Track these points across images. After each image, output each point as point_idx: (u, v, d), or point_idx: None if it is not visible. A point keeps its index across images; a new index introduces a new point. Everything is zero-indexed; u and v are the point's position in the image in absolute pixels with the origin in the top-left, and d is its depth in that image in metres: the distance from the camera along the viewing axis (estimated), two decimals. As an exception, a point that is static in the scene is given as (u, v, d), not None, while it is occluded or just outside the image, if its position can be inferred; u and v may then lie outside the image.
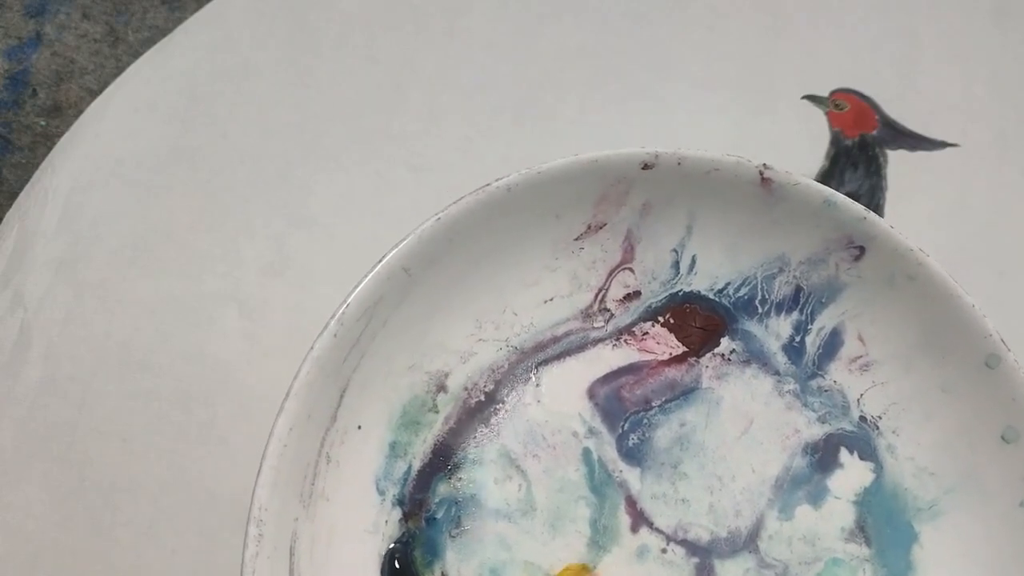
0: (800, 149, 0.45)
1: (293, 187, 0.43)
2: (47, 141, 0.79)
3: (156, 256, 0.42)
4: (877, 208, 0.43)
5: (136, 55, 0.55)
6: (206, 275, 0.41)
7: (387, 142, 0.44)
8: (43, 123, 0.78)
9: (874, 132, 0.45)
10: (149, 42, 0.75)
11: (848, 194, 0.41)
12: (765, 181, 0.32)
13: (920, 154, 0.45)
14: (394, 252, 0.30)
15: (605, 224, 0.33)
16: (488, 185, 0.31)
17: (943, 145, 0.45)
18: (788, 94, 0.46)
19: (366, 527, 0.31)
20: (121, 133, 0.43)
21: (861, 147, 0.45)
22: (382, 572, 0.30)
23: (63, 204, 0.42)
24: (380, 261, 0.29)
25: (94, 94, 0.74)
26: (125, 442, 0.38)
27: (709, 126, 0.45)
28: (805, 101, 0.46)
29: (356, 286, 0.29)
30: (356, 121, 0.45)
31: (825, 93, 0.46)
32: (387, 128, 0.45)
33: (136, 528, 0.37)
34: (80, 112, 0.46)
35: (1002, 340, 0.32)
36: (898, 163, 0.45)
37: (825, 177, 0.44)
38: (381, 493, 0.31)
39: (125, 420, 0.39)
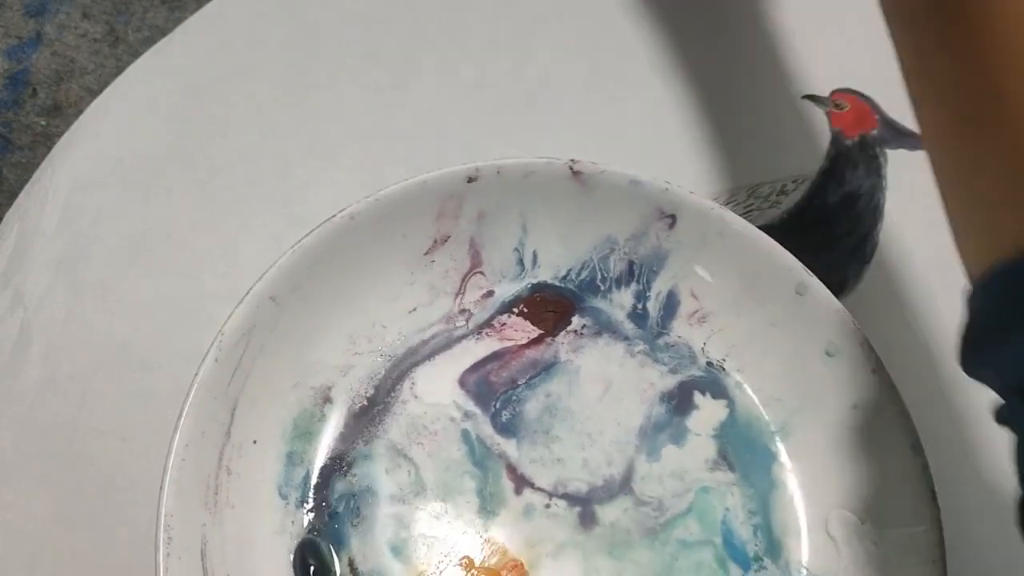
0: (800, 149, 0.45)
1: (293, 187, 0.43)
2: (47, 141, 0.80)
3: (156, 256, 0.42)
4: (877, 208, 0.44)
5: (136, 55, 0.54)
6: (206, 275, 0.41)
7: (386, 142, 0.44)
8: (43, 123, 0.79)
9: (874, 132, 0.45)
10: (149, 42, 0.74)
11: (848, 194, 0.44)
12: (576, 174, 0.38)
13: (920, 154, 0.43)
14: (259, 283, 0.34)
15: (449, 236, 0.38)
16: (334, 216, 0.36)
17: None
18: (788, 94, 0.46)
19: (273, 529, 0.34)
20: (121, 133, 0.43)
21: (861, 147, 0.45)
22: (294, 568, 0.34)
23: (63, 204, 0.42)
24: (248, 292, 0.34)
25: (94, 94, 0.71)
26: (125, 442, 0.38)
27: (709, 126, 0.44)
28: (805, 101, 0.46)
29: (228, 316, 0.33)
30: (355, 121, 0.45)
31: (825, 93, 0.46)
32: (386, 128, 0.45)
33: (136, 528, 0.37)
34: (80, 112, 0.45)
35: (805, 269, 0.37)
36: (898, 163, 0.45)
37: (825, 177, 0.44)
38: (284, 498, 0.35)
39: (125, 420, 0.39)
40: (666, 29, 0.48)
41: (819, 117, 0.46)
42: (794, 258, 0.37)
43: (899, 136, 0.46)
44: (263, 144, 0.44)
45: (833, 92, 0.47)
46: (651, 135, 0.46)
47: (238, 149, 0.44)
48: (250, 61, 0.46)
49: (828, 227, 0.43)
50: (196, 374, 0.32)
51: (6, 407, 0.39)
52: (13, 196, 0.46)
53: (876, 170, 0.45)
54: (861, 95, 0.47)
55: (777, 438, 0.38)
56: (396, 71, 0.46)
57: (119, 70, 0.50)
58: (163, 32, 0.61)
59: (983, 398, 0.40)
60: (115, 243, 0.42)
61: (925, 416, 0.40)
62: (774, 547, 0.36)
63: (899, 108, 0.46)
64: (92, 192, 0.43)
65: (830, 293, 0.37)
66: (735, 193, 0.44)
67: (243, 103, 0.45)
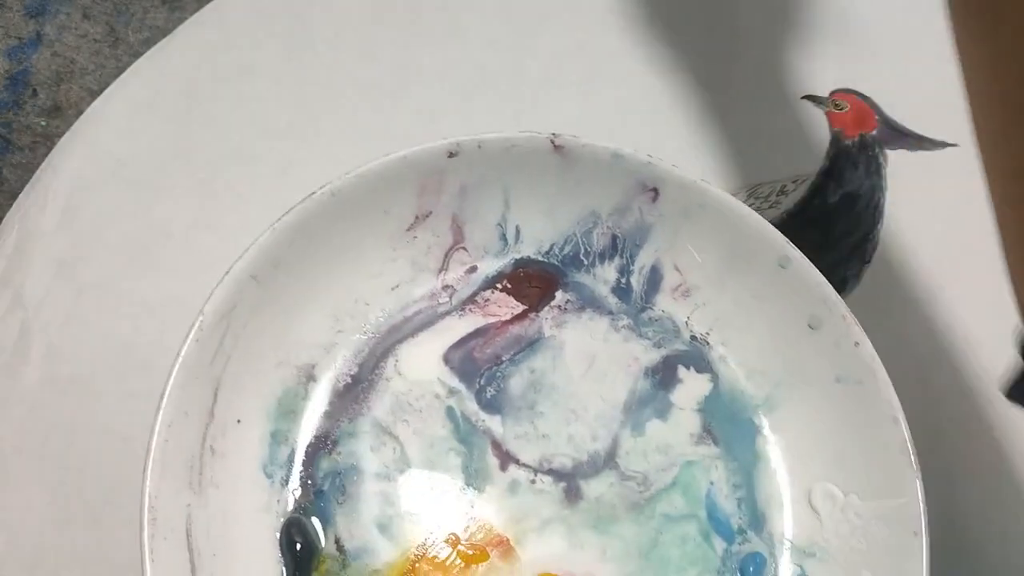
0: (800, 149, 0.45)
1: (293, 187, 0.43)
2: (47, 141, 0.81)
3: (156, 256, 0.42)
4: (877, 208, 0.44)
5: (136, 55, 0.54)
6: (206, 275, 0.40)
7: (386, 142, 0.44)
8: (43, 123, 0.80)
9: (874, 132, 0.45)
10: (149, 42, 0.75)
11: (848, 194, 0.44)
12: (558, 148, 0.37)
13: (920, 154, 0.45)
14: (239, 263, 0.34)
15: (431, 212, 0.38)
16: (314, 193, 0.35)
17: (943, 145, 0.45)
18: (788, 94, 0.46)
19: (258, 508, 0.34)
20: (121, 133, 0.44)
21: (861, 147, 0.45)
22: (280, 546, 0.34)
23: (63, 204, 0.42)
24: (228, 272, 0.34)
25: (94, 94, 0.72)
26: (125, 442, 0.38)
27: (709, 126, 0.45)
28: (805, 101, 0.46)
29: (209, 296, 0.33)
30: (355, 121, 0.45)
31: (825, 93, 0.46)
32: (386, 128, 0.45)
33: (136, 528, 0.36)
34: (80, 112, 0.47)
35: (787, 242, 0.37)
36: (898, 163, 0.45)
37: (825, 177, 0.44)
38: (269, 476, 0.35)
39: (125, 420, 0.39)
40: (665, 29, 0.47)
41: (819, 117, 0.46)
42: (777, 231, 0.37)
43: (899, 136, 0.45)
44: (263, 144, 0.44)
45: (833, 92, 0.47)
46: (650, 135, 0.46)
47: (238, 149, 0.44)
48: (250, 61, 0.46)
49: (828, 227, 0.43)
50: (178, 355, 0.32)
51: (6, 407, 0.39)
52: (13, 196, 0.46)
53: (876, 170, 0.45)
54: (861, 95, 0.47)
55: (761, 411, 0.38)
56: (396, 71, 0.46)
57: (119, 71, 0.50)
58: (163, 32, 0.61)
59: (982, 398, 0.41)
60: (115, 243, 0.42)
61: (924, 416, 0.40)
62: (757, 520, 0.37)
63: (899, 108, 0.46)
64: (92, 192, 0.43)
65: (812, 266, 0.37)
66: (735, 193, 0.44)
67: (243, 103, 0.45)
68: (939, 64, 0.47)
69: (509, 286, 0.39)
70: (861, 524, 0.36)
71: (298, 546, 0.34)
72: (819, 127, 0.46)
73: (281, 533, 0.34)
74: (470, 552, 0.35)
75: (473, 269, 0.39)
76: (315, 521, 0.35)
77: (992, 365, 0.42)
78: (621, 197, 0.38)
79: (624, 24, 0.48)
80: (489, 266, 0.39)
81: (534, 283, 0.39)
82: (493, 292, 0.39)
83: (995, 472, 0.40)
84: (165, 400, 0.31)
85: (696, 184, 0.37)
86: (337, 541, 0.35)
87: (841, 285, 0.42)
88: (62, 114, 0.81)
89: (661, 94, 0.46)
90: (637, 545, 0.36)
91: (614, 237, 0.39)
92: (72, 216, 0.42)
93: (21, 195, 0.43)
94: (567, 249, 0.40)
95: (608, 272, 0.40)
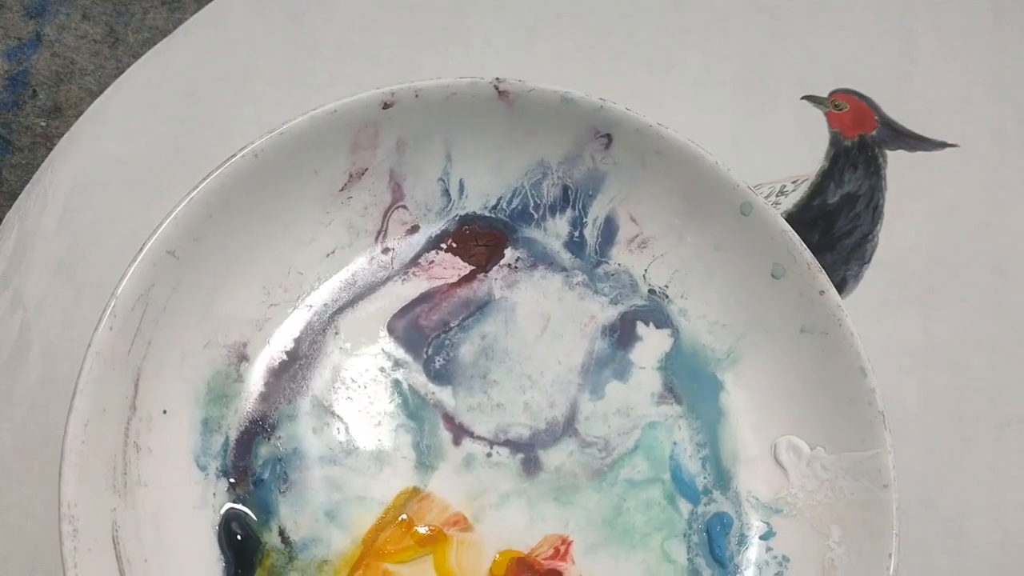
0: (800, 149, 0.44)
1: None
2: (47, 142, 0.80)
3: None
4: (877, 208, 0.43)
5: (136, 56, 0.54)
6: None
7: None
8: (43, 124, 0.79)
9: (873, 132, 0.45)
10: (149, 43, 0.75)
11: (847, 194, 0.43)
12: (502, 94, 0.34)
13: (919, 154, 0.44)
14: (154, 238, 0.31)
15: (366, 169, 0.35)
16: (234, 156, 0.32)
17: (942, 145, 0.45)
18: (788, 94, 0.46)
19: (193, 503, 0.32)
20: (121, 133, 0.44)
21: (860, 147, 0.44)
22: (220, 542, 0.32)
23: (63, 204, 0.42)
24: (141, 249, 0.30)
25: (94, 95, 0.73)
26: None
27: (709, 126, 0.44)
28: (805, 101, 0.46)
29: (122, 277, 0.30)
30: None
31: (824, 93, 0.46)
32: None
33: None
34: (80, 113, 0.46)
35: (748, 188, 0.35)
36: (897, 163, 0.44)
37: (824, 177, 0.44)
38: (203, 469, 0.32)
39: None
40: (664, 29, 0.47)
41: (818, 117, 0.45)
42: (738, 176, 0.35)
43: (899, 137, 0.45)
44: None
45: (832, 92, 0.46)
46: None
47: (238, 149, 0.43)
48: (250, 61, 0.45)
49: (828, 227, 0.43)
50: (88, 345, 0.29)
51: (6, 408, 0.39)
52: (13, 197, 0.46)
53: (875, 171, 0.44)
54: (861, 95, 0.46)
55: (724, 365, 0.37)
56: (396, 71, 0.45)
57: (119, 71, 0.51)
58: (163, 33, 0.61)
59: (981, 398, 0.41)
60: (115, 243, 0.41)
61: (923, 416, 0.40)
62: (723, 478, 0.35)
63: (898, 108, 0.46)
64: (92, 192, 0.42)
65: (776, 212, 0.35)
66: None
67: (243, 103, 0.44)
68: (938, 64, 0.47)
69: (455, 245, 0.37)
70: (828, 478, 0.35)
71: (239, 541, 0.32)
72: (818, 128, 0.45)
73: (220, 528, 0.32)
74: (426, 534, 0.33)
75: (415, 229, 0.36)
76: (256, 513, 0.32)
77: (992, 365, 0.41)
78: (572, 145, 0.36)
79: (623, 25, 0.47)
80: (432, 225, 0.36)
81: (481, 241, 0.37)
82: (437, 253, 0.36)
83: (995, 472, 0.40)
84: (77, 398, 0.28)
85: (652, 128, 0.35)
86: (282, 532, 0.32)
87: (841, 285, 0.42)
88: (62, 115, 0.81)
89: (659, 94, 0.46)
90: (600, 514, 0.34)
91: (565, 188, 0.37)
92: (72, 216, 0.42)
93: (21, 195, 0.43)
94: (515, 203, 0.37)
95: (560, 226, 0.37)
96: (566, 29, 0.47)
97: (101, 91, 0.45)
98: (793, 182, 0.43)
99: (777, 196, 0.42)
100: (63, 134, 0.44)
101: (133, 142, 0.43)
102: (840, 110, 0.45)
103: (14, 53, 0.81)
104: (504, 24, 0.47)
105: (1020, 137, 0.45)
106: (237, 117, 0.44)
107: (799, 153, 0.44)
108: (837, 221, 0.43)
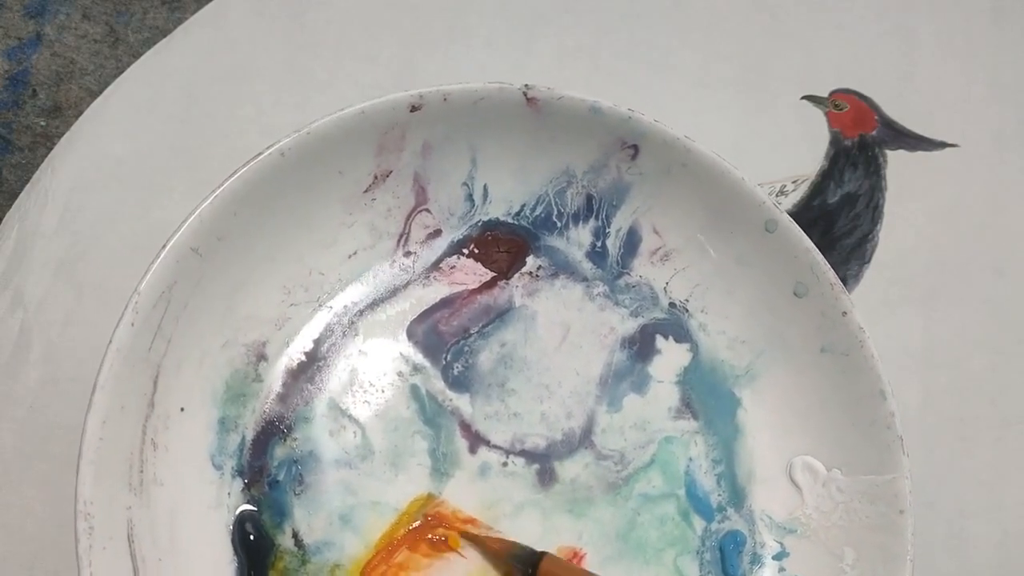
0: (800, 149, 0.45)
1: None
2: (47, 141, 0.80)
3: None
4: (877, 208, 0.43)
5: (136, 55, 0.54)
6: None
7: None
8: (43, 123, 0.79)
9: (873, 132, 0.45)
10: (149, 42, 0.75)
11: (848, 194, 0.43)
12: (531, 101, 0.34)
13: (920, 154, 0.45)
14: (178, 235, 0.30)
15: (391, 172, 0.35)
16: (260, 154, 0.32)
17: (942, 145, 0.45)
18: (788, 94, 0.46)
19: (208, 503, 0.31)
20: (121, 133, 0.44)
21: (860, 147, 0.44)
22: (233, 543, 0.31)
23: (63, 204, 0.42)
24: (165, 246, 0.30)
25: (94, 94, 0.74)
26: None
27: (709, 126, 0.44)
28: (805, 101, 0.46)
29: (145, 273, 0.30)
30: None
31: (825, 93, 0.46)
32: None
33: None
34: (80, 112, 0.46)
35: (775, 205, 0.35)
36: (898, 163, 0.45)
37: (824, 177, 0.44)
38: (218, 468, 0.32)
39: None
40: (664, 29, 0.47)
41: (819, 117, 0.46)
42: (764, 193, 0.35)
43: (898, 136, 0.45)
44: (263, 144, 0.44)
45: (833, 92, 0.46)
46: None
47: (238, 149, 0.43)
48: (250, 61, 0.45)
49: (828, 227, 0.43)
50: (110, 342, 0.29)
51: (6, 408, 0.39)
52: (13, 197, 0.46)
53: (876, 171, 0.44)
54: (861, 95, 0.46)
55: (742, 382, 0.36)
56: (396, 71, 0.45)
57: (119, 71, 0.51)
58: (163, 33, 0.61)
59: (981, 398, 0.41)
60: (115, 243, 0.41)
61: (922, 416, 0.40)
62: (737, 496, 0.35)
63: (899, 108, 0.46)
64: (92, 192, 0.42)
65: (800, 230, 0.35)
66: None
67: (243, 103, 0.44)
68: (938, 64, 0.47)
69: (476, 251, 0.36)
70: (844, 500, 0.34)
71: (253, 542, 0.31)
72: (818, 128, 0.45)
73: (233, 529, 0.31)
74: (440, 541, 0.33)
75: (437, 233, 0.36)
76: (270, 515, 0.32)
77: (992, 365, 0.41)
78: (598, 154, 0.36)
79: (623, 25, 0.47)
80: (455, 230, 0.36)
81: (503, 248, 0.36)
82: (459, 258, 0.36)
83: (995, 472, 0.40)
84: (97, 394, 0.28)
85: (679, 141, 0.35)
86: (295, 535, 0.32)
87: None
88: (62, 114, 0.81)
89: (658, 94, 0.46)
90: (614, 528, 0.34)
91: (589, 197, 0.37)
92: (72, 216, 0.42)
93: (21, 195, 0.43)
94: (539, 210, 0.37)
95: (582, 235, 0.37)
96: (566, 29, 0.47)
97: (101, 91, 0.45)
98: (793, 182, 0.44)
99: (777, 196, 0.43)
100: (63, 134, 0.44)
101: (133, 142, 0.43)
102: (840, 110, 0.45)
103: (14, 53, 0.81)
104: (504, 24, 0.47)
105: (1020, 137, 0.46)
106: (237, 117, 0.44)
107: (799, 153, 0.44)
108: (837, 221, 0.43)
